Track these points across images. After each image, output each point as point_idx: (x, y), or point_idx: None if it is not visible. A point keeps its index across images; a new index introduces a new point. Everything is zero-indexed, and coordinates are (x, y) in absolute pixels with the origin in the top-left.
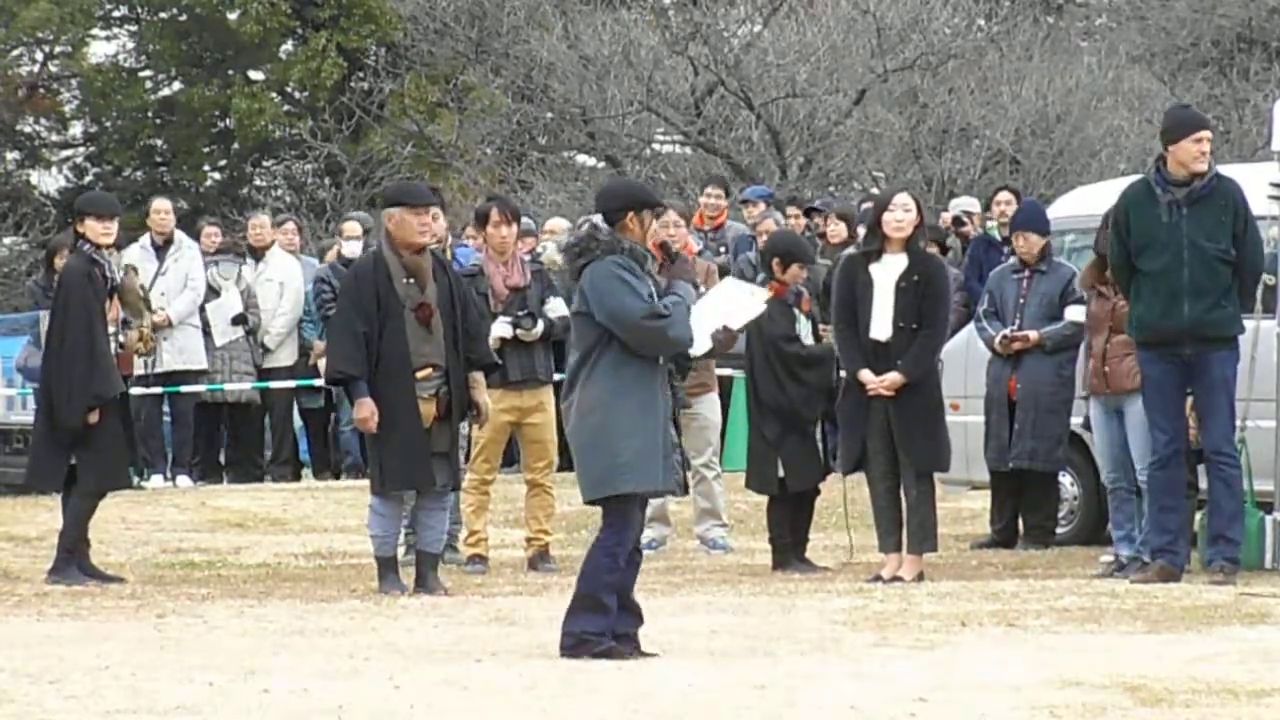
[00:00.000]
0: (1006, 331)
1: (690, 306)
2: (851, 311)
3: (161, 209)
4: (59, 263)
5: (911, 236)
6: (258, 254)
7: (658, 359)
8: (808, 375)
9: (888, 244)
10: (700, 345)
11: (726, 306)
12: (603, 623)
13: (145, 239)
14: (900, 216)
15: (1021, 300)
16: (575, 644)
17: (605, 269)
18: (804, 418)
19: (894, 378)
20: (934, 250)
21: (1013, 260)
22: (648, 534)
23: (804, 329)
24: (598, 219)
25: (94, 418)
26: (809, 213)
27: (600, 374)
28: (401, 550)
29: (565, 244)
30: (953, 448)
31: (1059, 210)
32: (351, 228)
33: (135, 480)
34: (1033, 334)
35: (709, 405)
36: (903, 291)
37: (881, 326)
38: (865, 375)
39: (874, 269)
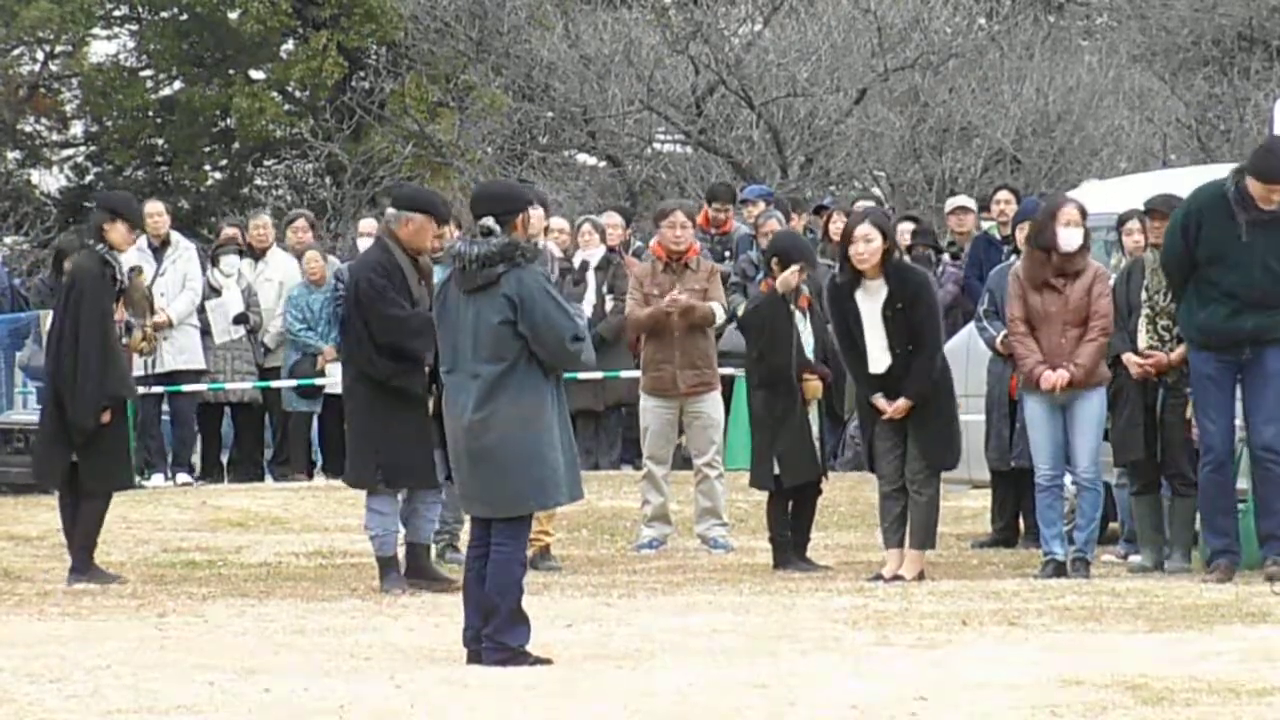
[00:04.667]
0: (1007, 330)
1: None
2: (852, 336)
3: (154, 212)
4: (68, 265)
5: (884, 259)
6: (258, 254)
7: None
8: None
9: (864, 272)
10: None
11: None
12: (528, 634)
13: (142, 240)
14: (861, 249)
15: None
16: (511, 657)
17: (537, 281)
18: (774, 418)
19: (902, 404)
20: (947, 248)
21: (1013, 259)
22: (649, 533)
23: (803, 326)
24: (489, 221)
25: (106, 418)
26: (816, 211)
27: (530, 384)
28: (402, 550)
29: (472, 252)
30: None
31: None
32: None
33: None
34: None
35: (712, 404)
36: (889, 320)
37: (879, 358)
38: (879, 401)
39: (859, 297)
